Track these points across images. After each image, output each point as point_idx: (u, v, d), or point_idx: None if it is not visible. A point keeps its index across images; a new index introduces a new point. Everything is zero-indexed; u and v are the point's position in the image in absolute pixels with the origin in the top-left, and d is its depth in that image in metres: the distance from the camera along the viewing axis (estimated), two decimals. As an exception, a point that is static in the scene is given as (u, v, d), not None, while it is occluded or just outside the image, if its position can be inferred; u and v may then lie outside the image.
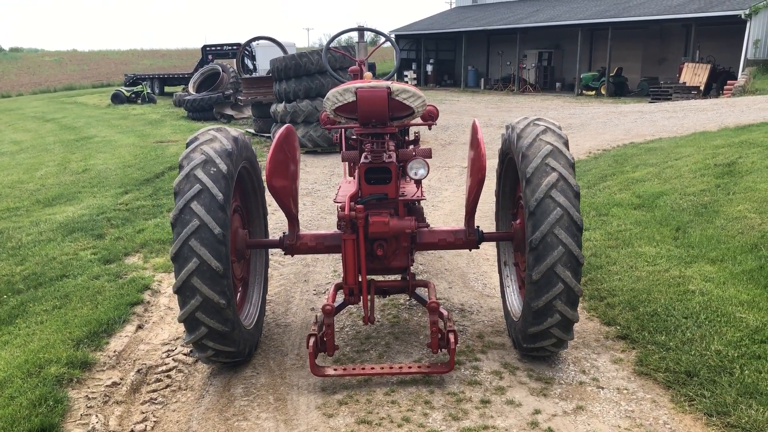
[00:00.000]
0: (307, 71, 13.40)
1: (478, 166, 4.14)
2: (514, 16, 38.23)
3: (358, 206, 4.08)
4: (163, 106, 28.58)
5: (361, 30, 5.57)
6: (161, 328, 5.28)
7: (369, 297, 4.30)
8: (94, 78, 54.69)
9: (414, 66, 46.50)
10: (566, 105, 26.32)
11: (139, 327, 5.25)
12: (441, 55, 46.42)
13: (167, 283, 6.26)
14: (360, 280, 4.26)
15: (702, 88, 27.23)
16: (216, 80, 22.72)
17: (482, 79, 39.83)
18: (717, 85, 27.88)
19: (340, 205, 4.25)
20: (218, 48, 32.00)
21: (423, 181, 4.82)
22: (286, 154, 4.38)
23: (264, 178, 4.25)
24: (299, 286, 6.12)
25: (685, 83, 27.63)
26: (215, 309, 3.96)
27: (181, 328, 5.20)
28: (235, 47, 31.09)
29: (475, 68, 41.57)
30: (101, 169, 12.46)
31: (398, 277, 5.46)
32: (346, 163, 5.58)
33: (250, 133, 17.29)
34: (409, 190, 4.78)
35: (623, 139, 14.23)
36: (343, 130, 5.60)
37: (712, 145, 11.73)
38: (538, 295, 3.90)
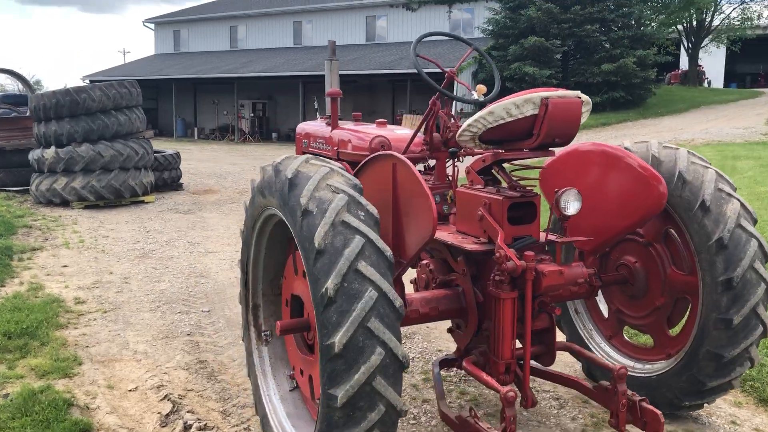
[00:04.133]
0: (87, 109, 11.05)
1: (646, 195, 3.37)
2: (227, 66, 37.43)
3: (527, 253, 3.12)
4: None
5: (445, 35, 4.72)
6: (152, 463, 3.50)
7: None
8: None
9: (112, 115, 42.70)
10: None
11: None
12: (143, 104, 43.49)
13: (84, 391, 4.29)
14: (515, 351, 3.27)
15: (421, 137, 29.66)
16: None
17: (195, 129, 38.10)
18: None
19: (498, 254, 3.17)
20: None
21: None
22: None
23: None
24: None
25: (407, 132, 29.76)
26: (393, 421, 2.65)
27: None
28: None
29: (182, 118, 39.51)
30: None
31: None
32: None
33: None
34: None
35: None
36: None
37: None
38: (733, 341, 3.36)
